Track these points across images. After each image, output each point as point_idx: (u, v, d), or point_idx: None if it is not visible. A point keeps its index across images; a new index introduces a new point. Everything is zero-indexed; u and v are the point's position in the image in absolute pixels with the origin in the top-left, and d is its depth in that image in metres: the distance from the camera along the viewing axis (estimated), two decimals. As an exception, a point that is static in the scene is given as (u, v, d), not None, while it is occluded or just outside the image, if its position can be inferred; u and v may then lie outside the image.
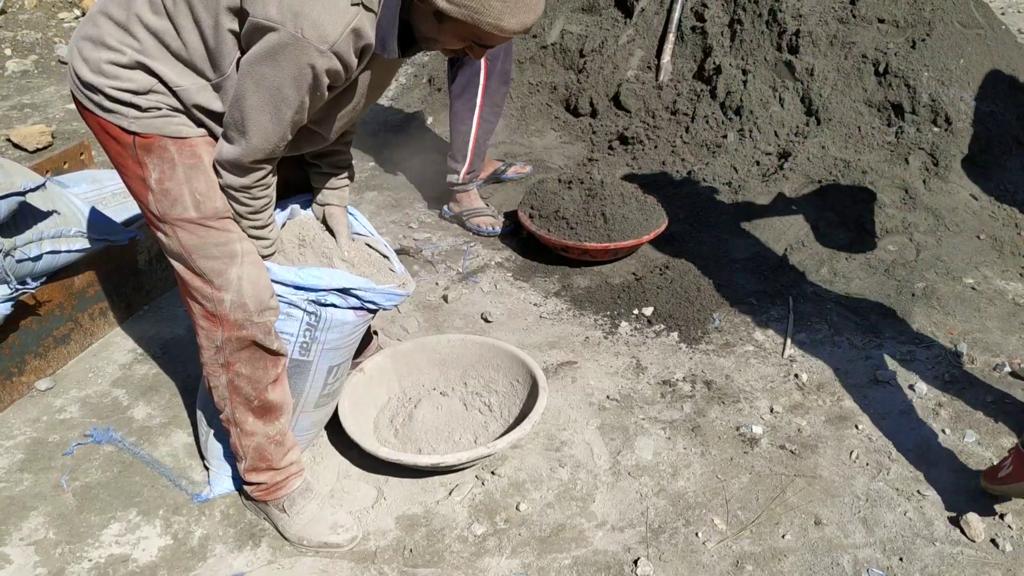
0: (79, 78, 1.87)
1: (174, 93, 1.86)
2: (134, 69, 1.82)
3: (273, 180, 2.04)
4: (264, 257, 2.14)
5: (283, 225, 2.32)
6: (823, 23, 4.51)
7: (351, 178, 2.42)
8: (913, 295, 3.37)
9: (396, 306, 2.39)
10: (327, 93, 1.84)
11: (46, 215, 2.73)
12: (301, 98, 1.78)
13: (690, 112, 4.70)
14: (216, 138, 1.95)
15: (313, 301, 2.21)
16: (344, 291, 2.22)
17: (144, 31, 1.80)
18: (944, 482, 2.52)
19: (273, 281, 2.14)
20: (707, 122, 4.60)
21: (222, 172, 1.95)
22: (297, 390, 2.35)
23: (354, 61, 1.79)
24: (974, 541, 2.32)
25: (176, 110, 1.89)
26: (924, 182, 3.96)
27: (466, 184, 3.95)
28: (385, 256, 2.49)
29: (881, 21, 4.48)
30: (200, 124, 1.93)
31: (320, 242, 2.33)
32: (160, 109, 1.87)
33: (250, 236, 2.08)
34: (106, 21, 1.82)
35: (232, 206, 2.01)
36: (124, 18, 1.80)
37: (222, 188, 1.98)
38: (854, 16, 4.50)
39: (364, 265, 2.38)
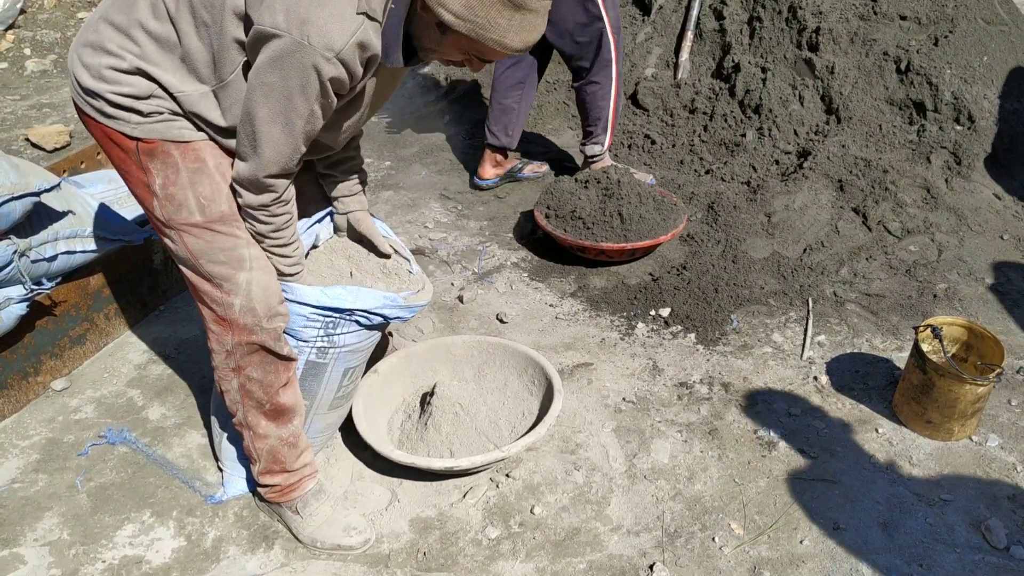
0: (80, 85, 1.86)
1: (174, 98, 1.85)
2: (134, 74, 1.81)
3: (291, 196, 2.01)
4: (289, 276, 2.14)
5: (310, 248, 2.34)
6: (844, 20, 4.46)
7: (365, 182, 2.42)
8: (935, 296, 3.32)
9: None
10: (335, 101, 1.83)
11: (61, 215, 2.73)
12: (310, 107, 1.76)
13: (708, 111, 4.66)
14: (218, 142, 1.94)
15: (335, 313, 2.23)
16: (369, 312, 2.24)
17: (145, 36, 1.78)
18: (966, 487, 2.48)
19: (298, 303, 2.15)
20: (725, 121, 4.56)
21: (239, 191, 1.93)
22: (311, 392, 2.34)
23: (359, 70, 1.77)
24: (996, 548, 2.28)
25: (177, 114, 1.87)
26: (946, 181, 3.90)
27: (605, 154, 4.18)
28: (405, 258, 2.49)
29: (903, 18, 4.42)
30: (201, 128, 1.92)
31: (357, 256, 2.38)
32: (162, 114, 1.85)
33: (273, 255, 2.07)
34: (106, 27, 1.81)
35: (252, 226, 2.00)
36: (125, 23, 1.79)
37: (240, 208, 1.97)
38: (875, 13, 4.44)
39: (389, 274, 2.41)
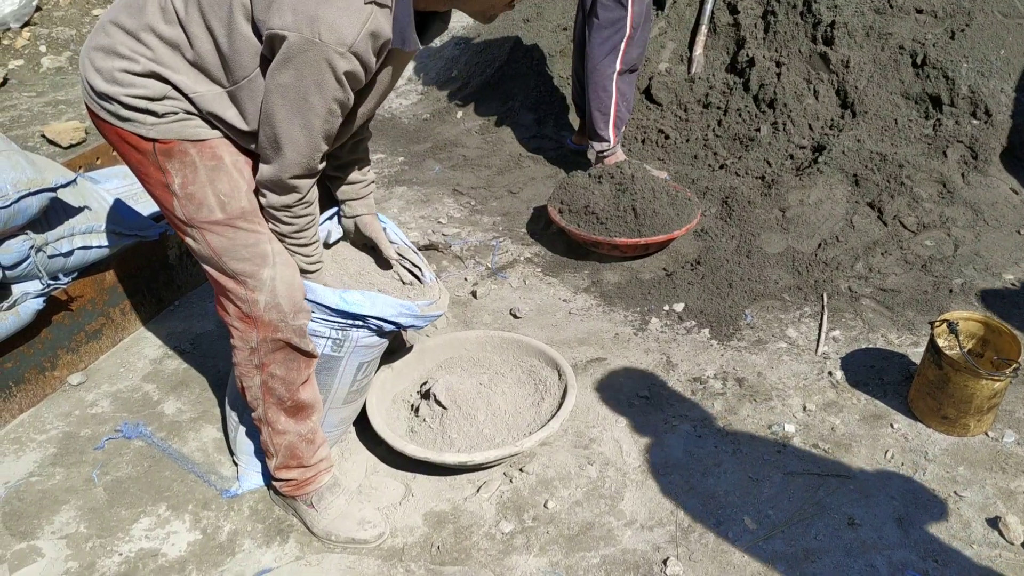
0: (93, 89, 1.85)
1: (188, 99, 1.85)
2: (148, 77, 1.81)
3: (315, 197, 2.01)
4: (307, 274, 2.14)
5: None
6: (859, 14, 4.44)
7: (374, 183, 2.41)
8: (951, 291, 3.30)
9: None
10: (352, 98, 1.82)
11: (77, 211, 2.75)
12: (327, 105, 1.76)
13: (723, 105, 4.64)
14: (232, 139, 1.94)
15: (349, 319, 2.23)
16: (384, 319, 2.24)
17: (156, 40, 1.78)
18: (982, 483, 2.46)
19: (315, 302, 2.14)
20: (740, 115, 4.54)
21: (263, 192, 1.93)
22: (325, 386, 2.35)
23: (373, 61, 1.76)
24: (1013, 544, 2.26)
25: (191, 113, 1.87)
26: (963, 176, 3.87)
27: (616, 148, 4.18)
28: (417, 265, 2.48)
29: (919, 11, 4.39)
30: (215, 127, 1.92)
31: (360, 263, 2.38)
32: (176, 114, 1.85)
33: (293, 253, 2.08)
34: (117, 30, 1.81)
35: (275, 227, 2.00)
36: (135, 27, 1.79)
37: (263, 208, 1.98)
38: (891, 7, 4.42)
39: (397, 284, 2.43)
